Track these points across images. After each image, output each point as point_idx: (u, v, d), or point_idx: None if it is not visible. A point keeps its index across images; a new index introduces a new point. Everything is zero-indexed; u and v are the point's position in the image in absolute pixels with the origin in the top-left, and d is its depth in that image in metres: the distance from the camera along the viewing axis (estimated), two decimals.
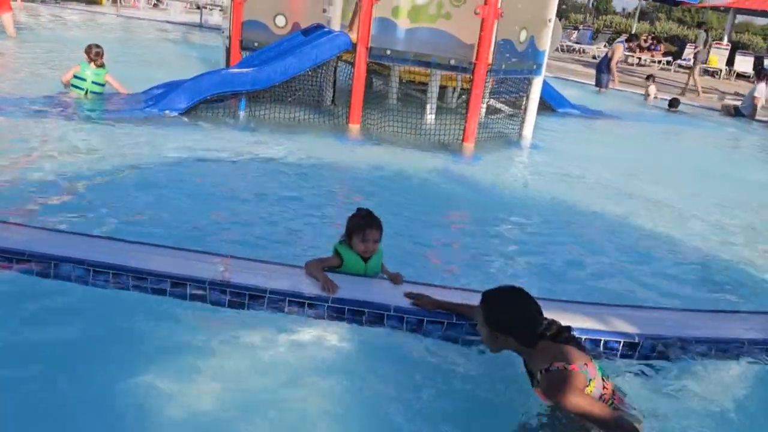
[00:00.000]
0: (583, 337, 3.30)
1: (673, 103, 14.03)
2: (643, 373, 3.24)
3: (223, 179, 5.80)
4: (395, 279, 3.56)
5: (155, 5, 25.35)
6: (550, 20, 8.49)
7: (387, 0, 7.54)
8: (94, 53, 7.75)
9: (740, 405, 3.11)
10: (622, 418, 2.49)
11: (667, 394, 3.11)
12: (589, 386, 2.50)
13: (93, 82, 7.81)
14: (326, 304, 3.27)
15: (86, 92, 7.80)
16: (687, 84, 17.35)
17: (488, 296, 2.72)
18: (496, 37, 7.45)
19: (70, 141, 6.16)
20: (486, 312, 2.66)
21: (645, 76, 16.39)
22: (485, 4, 7.26)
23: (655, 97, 15.02)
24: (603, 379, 2.59)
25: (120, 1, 21.93)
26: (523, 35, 8.00)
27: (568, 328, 2.70)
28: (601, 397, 2.54)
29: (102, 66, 7.86)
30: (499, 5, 7.31)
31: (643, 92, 15.35)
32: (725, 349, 3.41)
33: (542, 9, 8.34)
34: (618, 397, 2.65)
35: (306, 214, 5.10)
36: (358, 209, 3.60)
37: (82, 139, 6.30)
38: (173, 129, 7.04)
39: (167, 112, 7.45)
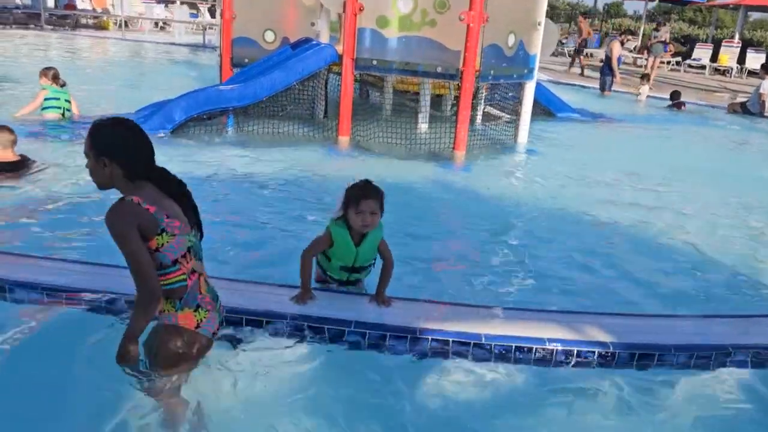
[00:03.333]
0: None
1: (674, 96, 13.65)
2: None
3: (211, 196, 5.71)
4: (383, 301, 3.35)
5: (161, 28, 25.70)
6: (539, 23, 8.35)
7: (371, 10, 7.47)
8: (52, 75, 7.63)
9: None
10: (150, 270, 2.33)
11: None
12: (161, 237, 2.37)
13: (65, 100, 7.73)
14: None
15: (63, 112, 7.70)
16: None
17: (99, 121, 2.47)
18: (482, 42, 7.35)
19: (58, 164, 6.08)
20: (94, 135, 2.41)
21: (640, 76, 16.02)
22: (470, 9, 7.15)
23: (648, 96, 14.72)
24: (189, 252, 2.47)
25: (126, 25, 22.23)
26: (512, 40, 7.88)
27: (184, 187, 2.60)
28: (175, 262, 2.42)
29: (64, 86, 7.76)
30: (484, 10, 7.20)
31: (635, 91, 15.05)
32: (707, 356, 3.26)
33: (530, 12, 8.20)
34: (202, 286, 2.52)
35: (292, 228, 4.96)
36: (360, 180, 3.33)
37: (69, 162, 6.24)
38: (161, 148, 6.94)
39: (155, 132, 7.42)
